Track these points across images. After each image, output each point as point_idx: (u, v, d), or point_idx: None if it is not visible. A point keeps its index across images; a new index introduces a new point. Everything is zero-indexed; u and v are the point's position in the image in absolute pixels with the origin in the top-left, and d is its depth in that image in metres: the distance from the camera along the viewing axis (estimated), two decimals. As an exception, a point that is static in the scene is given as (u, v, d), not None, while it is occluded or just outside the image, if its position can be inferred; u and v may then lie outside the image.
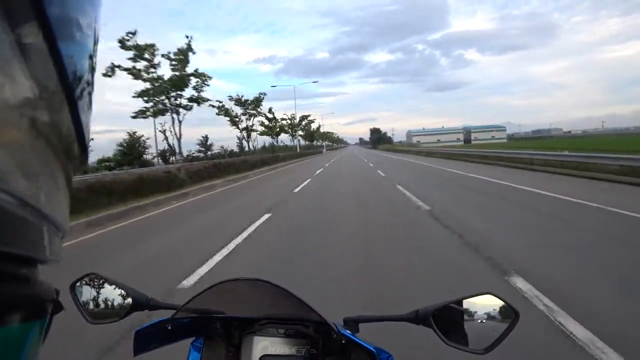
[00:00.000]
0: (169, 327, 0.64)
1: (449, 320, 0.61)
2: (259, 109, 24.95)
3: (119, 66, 12.86)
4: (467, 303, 0.60)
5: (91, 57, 0.23)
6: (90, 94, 0.23)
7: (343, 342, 0.62)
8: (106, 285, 0.70)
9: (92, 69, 0.23)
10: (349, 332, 0.64)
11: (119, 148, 20.82)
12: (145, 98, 13.90)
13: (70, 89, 0.20)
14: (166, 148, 17.90)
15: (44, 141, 0.19)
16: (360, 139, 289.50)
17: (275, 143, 35.17)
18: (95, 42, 0.23)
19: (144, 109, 14.26)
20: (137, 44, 12.98)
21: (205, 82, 14.38)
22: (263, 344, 0.64)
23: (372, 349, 0.60)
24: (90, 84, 0.23)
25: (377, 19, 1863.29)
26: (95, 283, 0.70)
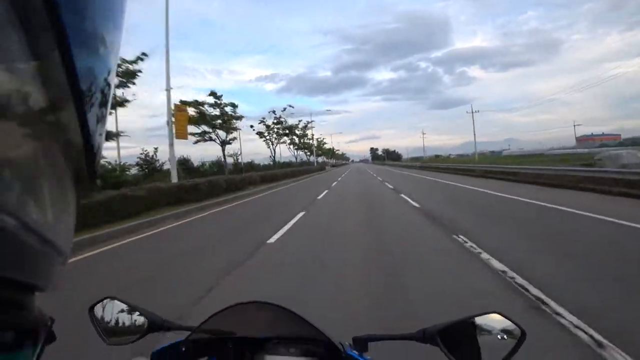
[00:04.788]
0: (184, 349, 0.66)
1: (455, 339, 0.61)
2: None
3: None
4: (474, 322, 0.61)
5: (108, 80, 0.22)
6: (104, 117, 0.22)
7: None
8: (123, 307, 0.72)
9: (108, 93, 0.22)
10: (356, 352, 0.67)
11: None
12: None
13: (84, 114, 0.19)
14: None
15: (54, 166, 0.19)
16: (372, 149, 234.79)
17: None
18: (114, 63, 0.22)
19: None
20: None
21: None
22: None
23: None
24: (105, 106, 0.22)
25: (379, 37, 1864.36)
26: (113, 306, 0.72)
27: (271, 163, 42.93)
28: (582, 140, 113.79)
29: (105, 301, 0.72)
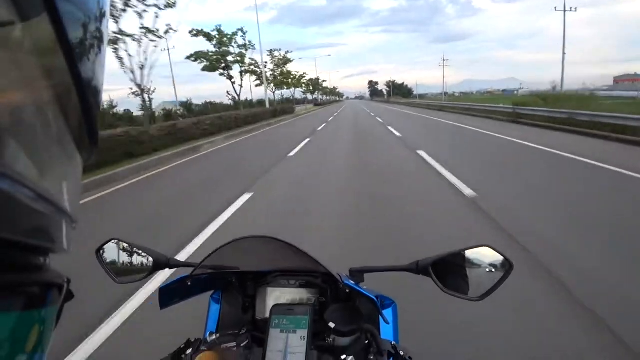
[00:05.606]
0: (189, 283, 0.68)
1: (447, 270, 0.64)
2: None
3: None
4: (465, 254, 0.63)
5: (102, 51, 0.22)
6: (100, 82, 0.23)
7: (348, 290, 0.66)
8: (128, 248, 0.75)
9: (103, 60, 0.23)
10: (353, 282, 0.68)
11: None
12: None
13: (80, 80, 0.20)
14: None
15: (56, 133, 0.20)
16: (371, 83, 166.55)
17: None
18: (106, 34, 0.23)
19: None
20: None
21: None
22: (275, 294, 0.71)
23: (372, 296, 0.64)
24: (101, 72, 0.23)
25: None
26: (119, 247, 0.75)
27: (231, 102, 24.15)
28: (620, 80, 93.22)
29: (110, 243, 0.75)
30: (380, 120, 17.49)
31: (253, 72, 26.32)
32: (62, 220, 0.22)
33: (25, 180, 0.17)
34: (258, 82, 28.85)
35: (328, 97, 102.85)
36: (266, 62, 29.11)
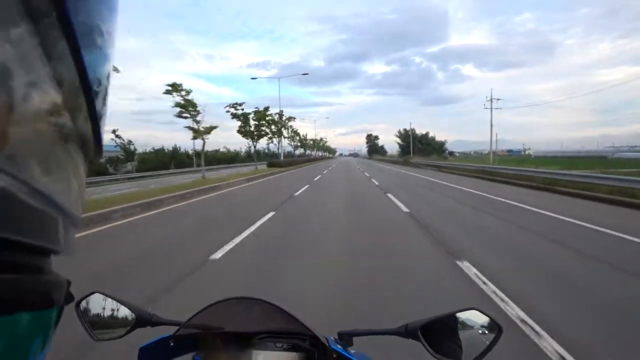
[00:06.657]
0: (172, 344, 0.66)
1: (436, 334, 0.64)
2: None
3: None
4: (454, 318, 0.63)
5: (109, 58, 0.23)
6: (106, 90, 0.23)
7: (335, 356, 0.65)
8: (110, 303, 0.72)
9: (109, 68, 0.24)
10: (340, 347, 0.68)
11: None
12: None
13: (88, 88, 0.20)
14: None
15: (60, 134, 0.19)
16: (370, 137, 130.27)
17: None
18: (113, 43, 0.23)
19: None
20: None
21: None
22: (261, 358, 0.68)
23: None
24: (108, 81, 0.23)
25: (375, 28, 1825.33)
26: (100, 301, 0.72)
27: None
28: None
29: (92, 296, 0.71)
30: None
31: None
32: (64, 221, 0.21)
33: (27, 178, 0.16)
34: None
35: (312, 152, 77.13)
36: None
